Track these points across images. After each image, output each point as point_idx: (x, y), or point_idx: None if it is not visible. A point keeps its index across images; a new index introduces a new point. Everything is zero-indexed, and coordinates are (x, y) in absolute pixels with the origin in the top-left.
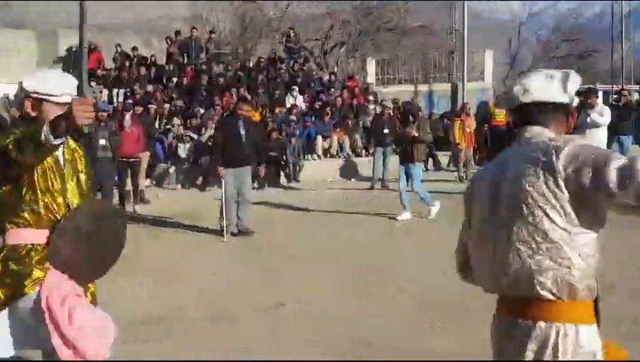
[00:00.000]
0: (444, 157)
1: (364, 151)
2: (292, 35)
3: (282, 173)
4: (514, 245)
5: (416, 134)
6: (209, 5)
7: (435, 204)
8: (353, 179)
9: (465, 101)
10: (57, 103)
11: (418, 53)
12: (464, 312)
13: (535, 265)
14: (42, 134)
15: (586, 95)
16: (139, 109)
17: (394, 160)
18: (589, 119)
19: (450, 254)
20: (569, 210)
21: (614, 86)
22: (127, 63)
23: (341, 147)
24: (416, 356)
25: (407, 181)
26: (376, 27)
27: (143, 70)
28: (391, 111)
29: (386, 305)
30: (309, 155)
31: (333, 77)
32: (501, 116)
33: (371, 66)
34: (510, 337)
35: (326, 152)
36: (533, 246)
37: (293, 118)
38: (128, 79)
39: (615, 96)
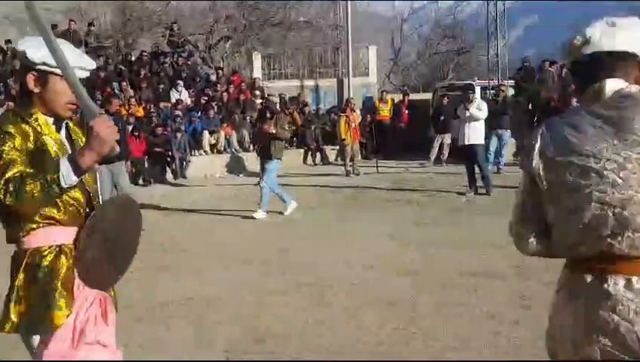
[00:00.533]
0: (332, 152)
1: (251, 146)
2: (175, 28)
3: (168, 170)
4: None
5: (274, 131)
6: None
7: (291, 202)
8: (241, 175)
9: (350, 96)
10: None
11: (304, 48)
12: (367, 304)
13: None
14: (61, 176)
15: (464, 90)
16: (11, 105)
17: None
18: (467, 113)
19: (342, 245)
20: None
21: (491, 81)
22: (0, 57)
23: (228, 142)
24: (313, 352)
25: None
26: (261, 22)
27: (17, 64)
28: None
29: (282, 300)
30: (196, 151)
31: (220, 72)
32: (385, 111)
33: (257, 61)
34: (609, 298)
35: (213, 148)
36: None
37: (178, 113)
38: (2, 73)
39: (492, 92)
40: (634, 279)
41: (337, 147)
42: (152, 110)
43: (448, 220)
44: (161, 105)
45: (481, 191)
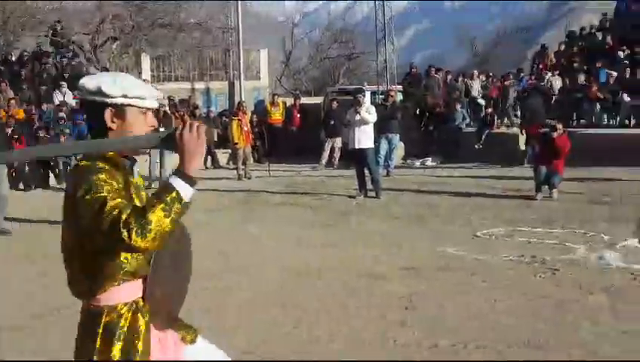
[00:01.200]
0: (223, 156)
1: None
2: (59, 28)
3: (52, 174)
4: None
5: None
6: None
7: None
8: None
9: (242, 99)
10: (145, 110)
11: (194, 50)
12: (268, 305)
13: None
14: (180, 191)
15: (355, 94)
16: None
17: (170, 158)
18: (358, 117)
19: (237, 247)
20: None
21: (380, 86)
22: None
23: None
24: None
25: None
26: (150, 22)
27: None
28: (167, 109)
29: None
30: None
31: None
32: (277, 114)
33: (146, 63)
34: None
35: None
36: None
37: (62, 115)
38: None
39: (382, 97)
40: None
41: (229, 150)
42: (33, 112)
43: (340, 223)
44: (44, 106)
45: (371, 194)
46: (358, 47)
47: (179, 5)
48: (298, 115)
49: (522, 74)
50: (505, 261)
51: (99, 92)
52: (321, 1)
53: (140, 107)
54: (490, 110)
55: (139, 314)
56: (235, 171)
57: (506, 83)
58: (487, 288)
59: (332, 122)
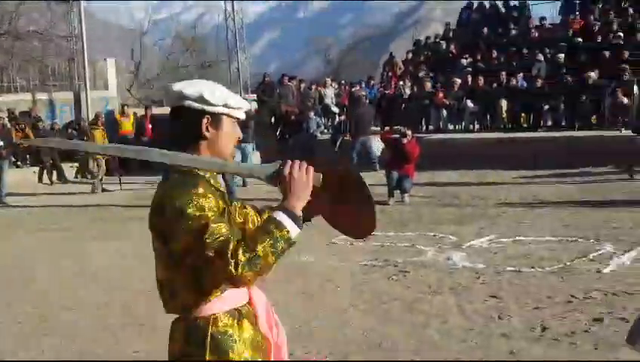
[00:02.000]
0: (70, 169)
1: None
2: None
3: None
4: None
5: None
6: None
7: None
8: None
9: (98, 110)
10: (236, 121)
11: (35, 59)
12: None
13: None
14: (287, 228)
15: None
16: None
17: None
18: None
19: (82, 265)
20: None
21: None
22: None
23: None
24: None
25: None
26: None
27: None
28: (6, 122)
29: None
30: None
31: None
32: (128, 125)
33: None
34: None
35: None
36: None
37: None
38: None
39: None
40: None
41: (76, 164)
42: None
43: None
44: None
45: None
46: (210, 56)
47: (15, 13)
48: (150, 126)
49: (372, 82)
50: (359, 266)
51: (200, 99)
52: (171, 8)
53: (234, 117)
54: (343, 117)
55: (244, 320)
56: (85, 185)
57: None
58: (341, 293)
59: None
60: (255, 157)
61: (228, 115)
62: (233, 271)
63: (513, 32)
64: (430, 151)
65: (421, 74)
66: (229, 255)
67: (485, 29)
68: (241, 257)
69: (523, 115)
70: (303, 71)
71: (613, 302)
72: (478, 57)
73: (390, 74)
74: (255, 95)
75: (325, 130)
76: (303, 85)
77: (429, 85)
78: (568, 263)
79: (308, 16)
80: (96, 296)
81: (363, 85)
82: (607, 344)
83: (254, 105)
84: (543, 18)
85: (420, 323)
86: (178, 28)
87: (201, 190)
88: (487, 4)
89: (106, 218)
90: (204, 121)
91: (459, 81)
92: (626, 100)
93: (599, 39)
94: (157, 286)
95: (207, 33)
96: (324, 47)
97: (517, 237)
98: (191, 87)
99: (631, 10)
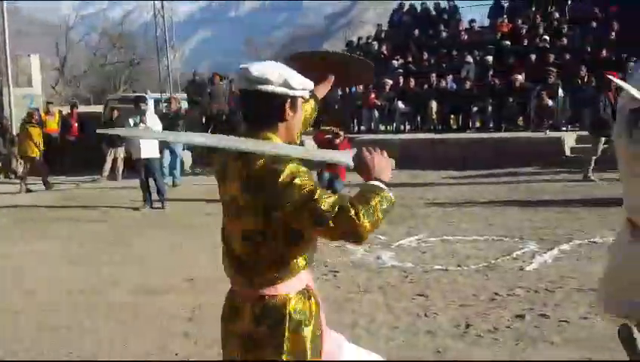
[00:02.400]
0: None
1: None
2: None
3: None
4: None
5: None
6: None
7: None
8: None
9: (33, 108)
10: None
11: None
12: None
13: None
14: (385, 190)
15: (137, 102)
16: None
17: None
18: (143, 126)
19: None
20: None
21: (163, 94)
22: None
23: None
24: None
25: None
26: None
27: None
28: None
29: None
30: None
31: None
32: (53, 124)
33: None
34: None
35: None
36: None
37: None
38: None
39: (165, 105)
40: None
41: None
42: None
43: (122, 236)
44: None
45: (156, 205)
46: (139, 54)
47: None
48: (76, 125)
49: None
50: None
51: (285, 84)
52: (98, 4)
53: (304, 99)
54: None
55: (312, 299)
56: (8, 185)
57: None
58: None
59: None
60: (185, 157)
61: (302, 98)
62: (356, 219)
63: (443, 34)
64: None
65: None
66: (349, 206)
67: (416, 31)
68: (360, 208)
69: (452, 116)
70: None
71: (534, 298)
72: (409, 59)
73: None
74: (185, 94)
75: None
76: (233, 85)
77: (360, 86)
78: (493, 261)
79: (240, 16)
80: (13, 297)
81: None
82: (528, 339)
83: (185, 105)
84: (472, 21)
85: (348, 322)
86: (105, 24)
87: (295, 162)
88: (418, 5)
89: (34, 218)
90: (287, 104)
91: (390, 82)
92: (550, 103)
93: (526, 42)
94: (229, 264)
95: (136, 30)
96: (258, 47)
97: (445, 237)
98: (273, 72)
99: (556, 15)
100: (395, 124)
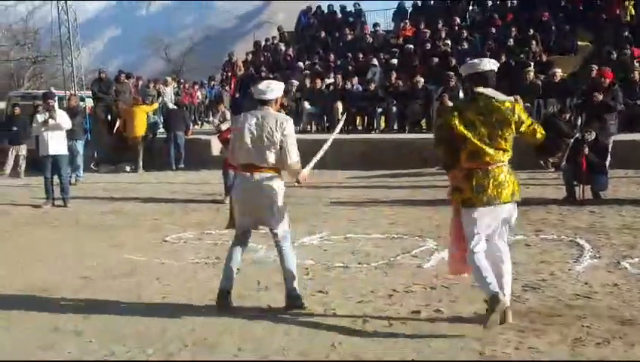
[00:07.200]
0: None
1: None
2: None
3: None
4: None
5: None
6: None
7: None
8: None
9: None
10: None
11: None
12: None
13: None
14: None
15: (48, 99)
16: None
17: None
18: (52, 122)
19: None
20: None
21: (68, 91)
22: None
23: None
24: None
25: None
26: None
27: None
28: None
29: None
30: None
31: None
32: None
33: None
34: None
35: None
36: None
37: None
38: None
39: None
40: None
41: None
42: None
43: (20, 234)
44: None
45: (58, 203)
46: (44, 51)
47: None
48: None
49: (213, 82)
50: (190, 264)
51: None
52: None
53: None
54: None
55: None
56: None
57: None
58: (169, 292)
59: (15, 129)
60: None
61: None
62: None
63: (349, 36)
64: None
65: (262, 74)
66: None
67: (323, 33)
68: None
69: (358, 117)
70: (147, 69)
71: (430, 295)
72: (316, 60)
73: (230, 74)
74: (90, 91)
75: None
76: (140, 83)
77: None
78: (392, 259)
79: (150, 14)
80: None
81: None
82: (421, 334)
83: (89, 102)
84: (376, 24)
85: (247, 318)
86: (8, 20)
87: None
88: (325, 7)
89: None
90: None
91: (296, 83)
92: (451, 105)
93: (429, 46)
94: None
95: (40, 27)
96: (162, 46)
97: (347, 235)
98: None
99: (457, 20)
100: (301, 125)
